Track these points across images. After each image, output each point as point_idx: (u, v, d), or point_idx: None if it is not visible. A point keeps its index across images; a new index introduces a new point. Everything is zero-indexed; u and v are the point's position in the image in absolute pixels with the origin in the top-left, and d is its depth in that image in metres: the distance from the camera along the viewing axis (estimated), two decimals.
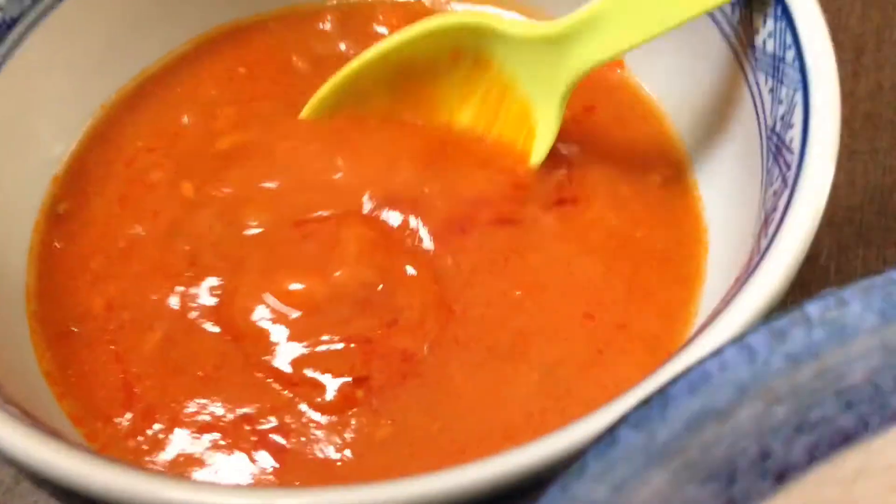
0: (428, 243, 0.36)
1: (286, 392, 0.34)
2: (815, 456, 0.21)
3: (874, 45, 0.50)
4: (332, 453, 0.33)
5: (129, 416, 0.34)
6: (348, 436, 0.33)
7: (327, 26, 0.43)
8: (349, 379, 0.34)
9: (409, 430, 0.33)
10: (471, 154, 0.38)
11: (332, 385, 0.33)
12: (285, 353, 0.34)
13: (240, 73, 0.42)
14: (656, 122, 0.39)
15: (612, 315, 0.34)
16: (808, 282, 0.42)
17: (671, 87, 0.38)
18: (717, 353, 0.20)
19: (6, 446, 0.27)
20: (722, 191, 0.35)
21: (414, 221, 0.36)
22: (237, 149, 0.38)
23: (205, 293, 0.36)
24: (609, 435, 0.19)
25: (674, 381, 0.20)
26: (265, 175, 0.37)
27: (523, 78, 0.38)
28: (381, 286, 0.35)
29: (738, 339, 0.20)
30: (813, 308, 0.20)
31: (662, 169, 0.38)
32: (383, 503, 0.23)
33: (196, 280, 0.36)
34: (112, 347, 0.36)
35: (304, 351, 0.34)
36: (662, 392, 0.20)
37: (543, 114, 0.37)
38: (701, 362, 0.20)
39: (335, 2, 0.44)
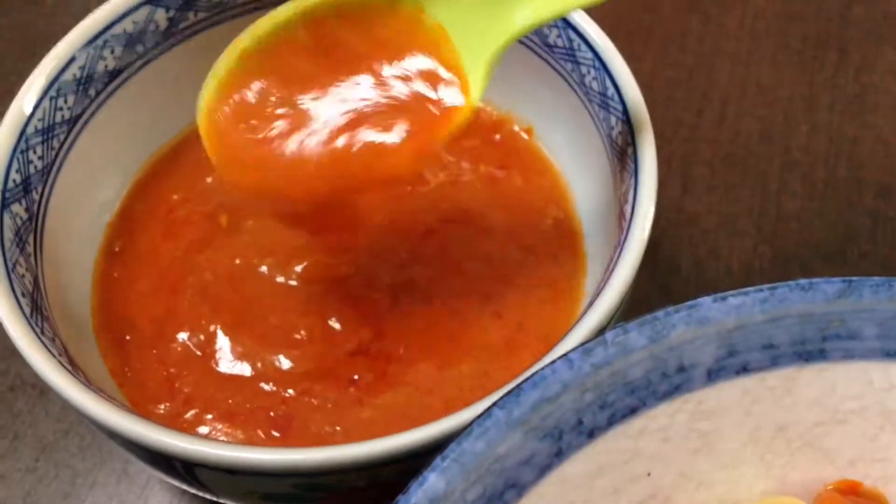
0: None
1: (291, 390, 0.41)
2: (612, 421, 0.32)
3: (737, 97, 0.59)
4: (327, 430, 0.41)
5: (170, 404, 0.42)
6: (341, 419, 0.41)
7: None
8: (344, 381, 0.42)
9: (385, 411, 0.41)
10: None
11: (330, 387, 0.41)
12: (293, 365, 0.42)
13: None
14: (551, 177, 0.48)
15: (515, 316, 0.44)
16: (672, 289, 0.51)
17: (564, 153, 0.47)
18: (551, 363, 0.31)
19: (96, 414, 0.35)
20: (597, 235, 0.45)
21: None
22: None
23: (226, 309, 0.44)
24: (487, 411, 0.31)
25: (526, 379, 0.31)
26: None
27: (456, 36, 0.39)
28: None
29: (564, 356, 0.32)
30: (609, 335, 0.32)
31: (555, 212, 0.47)
32: (358, 455, 0.34)
33: (219, 299, 0.44)
34: (154, 352, 0.43)
35: (310, 362, 0.42)
36: (518, 386, 0.31)
37: (472, 75, 0.38)
38: (541, 369, 0.31)
39: None
